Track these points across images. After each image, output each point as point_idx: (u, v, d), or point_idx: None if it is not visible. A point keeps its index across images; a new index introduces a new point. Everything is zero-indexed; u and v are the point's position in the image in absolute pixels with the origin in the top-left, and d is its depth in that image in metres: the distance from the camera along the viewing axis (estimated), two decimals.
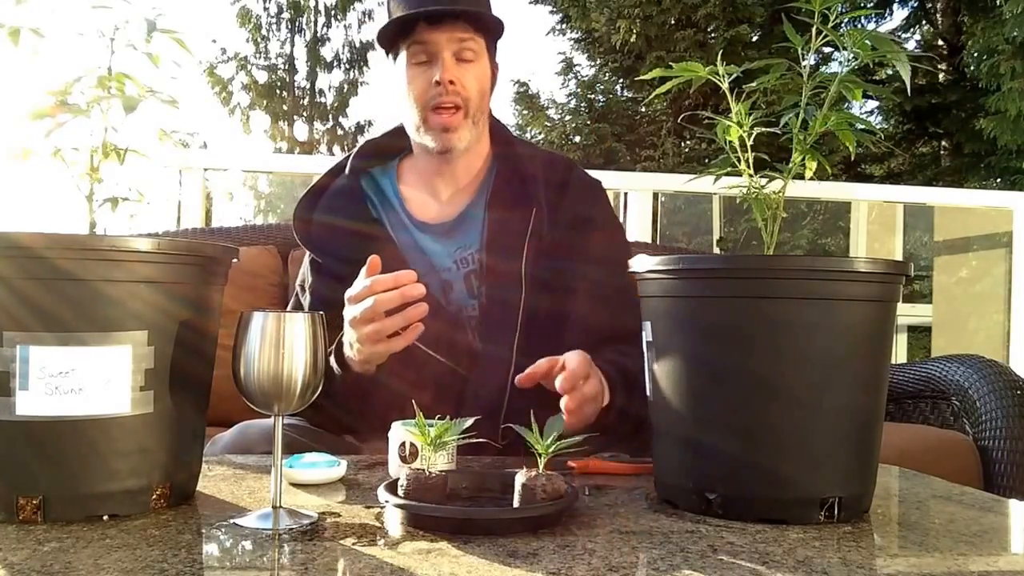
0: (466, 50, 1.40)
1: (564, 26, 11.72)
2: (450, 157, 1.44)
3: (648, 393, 1.00)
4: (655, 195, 3.77)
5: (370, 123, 17.90)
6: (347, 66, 17.78)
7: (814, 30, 0.95)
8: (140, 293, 0.88)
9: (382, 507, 0.92)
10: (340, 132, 17.87)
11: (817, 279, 0.91)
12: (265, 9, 17.29)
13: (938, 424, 1.98)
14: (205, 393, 0.98)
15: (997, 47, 8.29)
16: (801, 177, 1.00)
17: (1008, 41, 8.08)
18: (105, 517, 0.86)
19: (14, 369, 0.83)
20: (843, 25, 0.95)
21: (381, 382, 1.29)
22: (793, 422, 0.90)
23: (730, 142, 1.00)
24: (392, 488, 0.90)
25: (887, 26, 11.15)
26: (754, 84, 0.99)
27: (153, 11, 0.96)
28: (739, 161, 1.00)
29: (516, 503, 0.89)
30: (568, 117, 10.81)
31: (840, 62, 0.97)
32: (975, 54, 9.05)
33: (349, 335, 1.25)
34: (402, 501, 0.87)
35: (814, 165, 0.99)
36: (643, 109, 10.67)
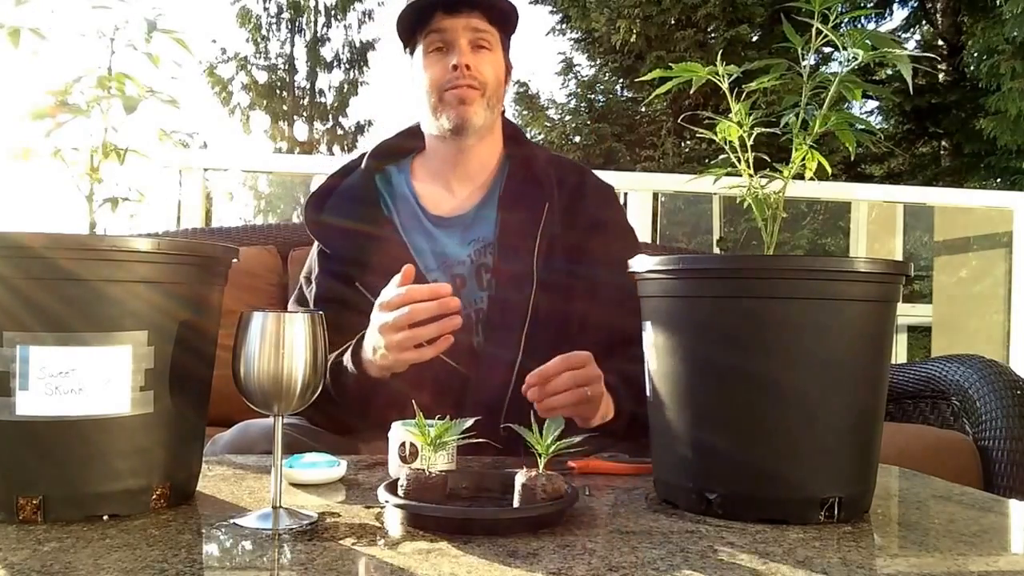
0: (482, 39, 1.42)
1: (564, 26, 11.73)
2: (464, 140, 1.44)
3: (647, 393, 1.00)
4: (655, 195, 3.78)
5: (370, 123, 17.94)
6: (347, 66, 17.80)
7: (814, 30, 0.95)
8: (140, 293, 0.88)
9: (382, 507, 0.92)
10: (340, 132, 17.88)
11: (817, 279, 0.91)
12: (265, 9, 17.32)
13: (938, 424, 1.98)
14: (205, 393, 0.98)
15: (997, 47, 8.29)
16: (801, 177, 1.00)
17: (1008, 41, 8.09)
18: (105, 517, 0.86)
19: (14, 369, 0.83)
20: (843, 25, 0.95)
21: (382, 381, 1.29)
22: (793, 422, 0.90)
23: (730, 142, 1.00)
24: (392, 488, 0.90)
25: (887, 26, 11.17)
26: (754, 84, 0.99)
27: (153, 11, 0.96)
28: (739, 161, 1.00)
29: (516, 503, 0.89)
30: (568, 117, 10.82)
31: (840, 62, 0.97)
32: (975, 54, 9.06)
33: (375, 340, 1.24)
34: (402, 501, 0.87)
35: (814, 165, 0.99)
36: (643, 109, 10.67)
